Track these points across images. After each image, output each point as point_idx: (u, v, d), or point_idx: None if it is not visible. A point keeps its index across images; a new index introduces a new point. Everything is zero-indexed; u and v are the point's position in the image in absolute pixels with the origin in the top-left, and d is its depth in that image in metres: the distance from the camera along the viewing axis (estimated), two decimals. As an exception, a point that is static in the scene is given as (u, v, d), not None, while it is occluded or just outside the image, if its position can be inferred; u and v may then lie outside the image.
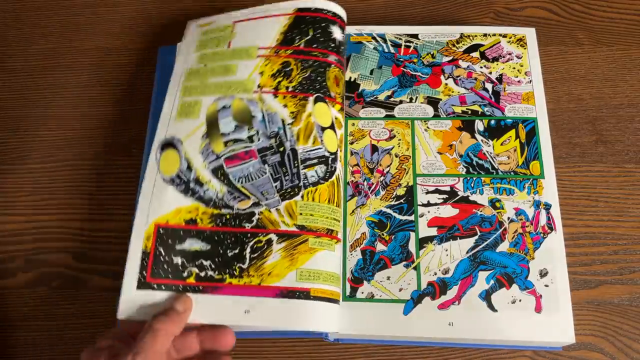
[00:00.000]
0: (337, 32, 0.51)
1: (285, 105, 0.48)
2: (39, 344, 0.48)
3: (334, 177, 0.47)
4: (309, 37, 0.50)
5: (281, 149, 0.46)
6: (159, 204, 0.45)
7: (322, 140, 0.47)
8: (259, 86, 0.49)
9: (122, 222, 0.51)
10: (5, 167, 0.54)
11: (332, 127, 0.48)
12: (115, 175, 0.53)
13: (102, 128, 0.56)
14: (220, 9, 0.61)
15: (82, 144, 0.55)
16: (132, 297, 0.43)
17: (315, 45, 0.50)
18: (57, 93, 0.57)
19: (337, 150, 0.48)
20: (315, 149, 0.46)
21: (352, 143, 0.51)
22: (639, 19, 0.58)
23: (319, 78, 0.49)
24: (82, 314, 0.49)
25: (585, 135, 0.53)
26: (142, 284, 0.43)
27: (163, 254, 0.44)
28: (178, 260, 0.44)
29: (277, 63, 0.49)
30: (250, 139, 0.47)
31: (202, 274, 0.43)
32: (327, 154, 0.47)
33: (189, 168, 0.46)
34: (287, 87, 0.48)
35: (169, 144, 0.47)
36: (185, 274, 0.43)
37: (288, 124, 0.47)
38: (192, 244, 0.44)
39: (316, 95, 0.48)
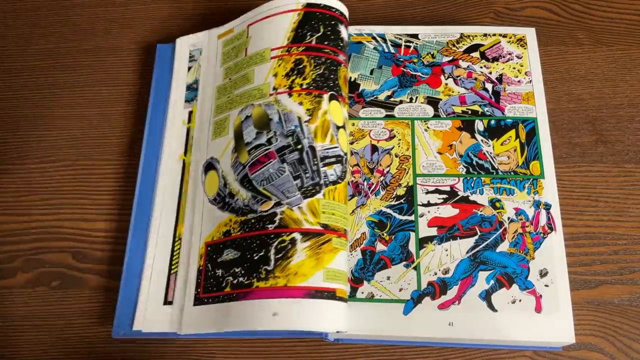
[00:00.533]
0: (344, 32, 0.51)
1: (300, 103, 0.47)
2: (39, 344, 0.48)
3: (347, 177, 0.47)
4: (320, 33, 0.49)
5: (299, 146, 0.46)
6: (207, 224, 0.47)
7: (337, 139, 0.46)
8: (274, 88, 0.48)
9: (122, 222, 0.51)
10: (4, 167, 0.54)
11: (344, 127, 0.48)
12: (115, 175, 0.53)
13: (102, 128, 0.56)
14: (219, 6, 0.61)
15: (81, 144, 0.55)
16: (189, 314, 0.44)
17: (326, 43, 0.49)
18: (57, 93, 0.57)
19: (347, 151, 0.48)
20: (333, 147, 0.46)
21: (352, 143, 0.51)
22: (639, 19, 0.58)
23: (332, 76, 0.48)
24: (82, 314, 0.48)
25: (585, 135, 0.53)
26: (198, 300, 0.45)
27: (210, 269, 0.45)
28: (219, 272, 0.45)
29: (289, 62, 0.49)
30: (269, 141, 0.46)
31: (235, 281, 0.43)
32: (341, 153, 0.46)
33: (225, 185, 0.47)
34: (301, 85, 0.48)
35: (210, 166, 0.49)
36: (223, 284, 0.44)
37: (305, 122, 0.46)
38: (228, 254, 0.45)
39: (330, 93, 0.48)
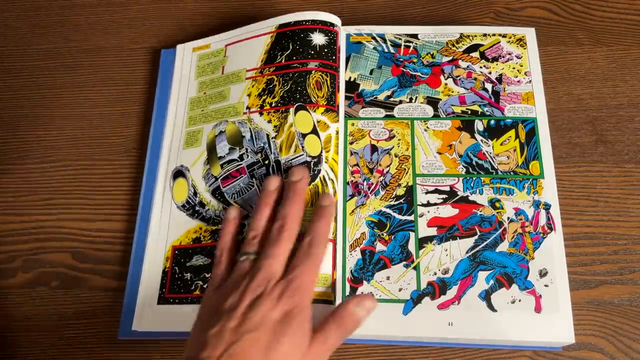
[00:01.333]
0: (317, 38, 0.52)
1: (269, 121, 0.49)
2: (39, 344, 0.48)
3: (317, 180, 0.47)
4: (289, 50, 0.51)
5: (266, 161, 0.48)
6: (174, 229, 0.49)
7: (303, 147, 0.48)
8: (247, 107, 0.51)
9: (122, 222, 0.51)
10: (4, 167, 0.54)
11: (314, 131, 0.48)
12: (115, 175, 0.53)
13: (102, 128, 0.56)
14: (217, 8, 0.61)
15: (81, 144, 0.55)
16: (153, 312, 0.46)
17: (295, 58, 0.51)
18: (57, 93, 0.58)
19: (320, 153, 0.48)
20: (297, 157, 0.48)
21: (351, 143, 0.51)
22: (639, 19, 0.58)
23: (299, 88, 0.50)
24: (82, 314, 0.49)
25: (585, 135, 0.53)
26: (162, 299, 0.46)
27: (177, 271, 0.47)
28: (187, 275, 0.47)
29: (262, 82, 0.51)
30: (241, 157, 0.49)
31: (205, 285, 0.46)
32: (308, 159, 0.47)
33: (195, 193, 0.49)
34: (270, 104, 0.50)
35: (179, 173, 0.51)
36: (192, 287, 0.46)
37: (272, 138, 0.49)
38: (197, 260, 0.47)
39: (297, 105, 0.49)
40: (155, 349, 0.47)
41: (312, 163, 0.47)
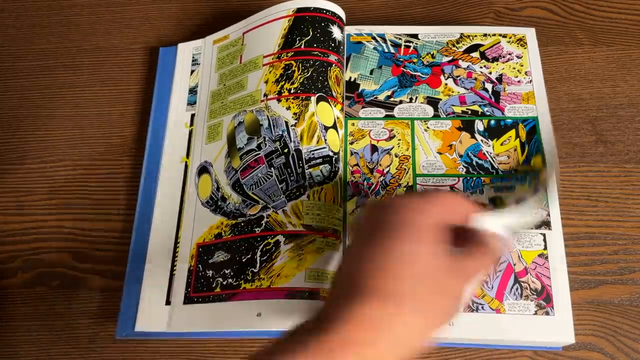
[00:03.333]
0: (336, 32, 0.51)
1: (288, 108, 0.48)
2: (38, 344, 0.48)
3: (337, 177, 0.47)
4: (309, 37, 0.50)
5: (285, 150, 0.47)
6: (199, 226, 0.48)
7: (325, 140, 0.47)
8: (265, 95, 0.49)
9: (122, 222, 0.51)
10: (4, 167, 0.54)
11: (334, 126, 0.48)
12: (115, 175, 0.53)
13: (102, 128, 0.56)
14: (218, 8, 0.61)
15: (81, 143, 0.55)
16: (179, 312, 0.45)
17: (315, 45, 0.50)
18: (57, 93, 0.57)
19: (339, 151, 0.48)
20: (320, 149, 0.47)
21: (352, 143, 0.51)
22: (639, 19, 0.58)
23: (320, 78, 0.49)
24: (82, 314, 0.48)
25: (585, 135, 0.53)
26: (188, 299, 0.45)
27: (201, 269, 0.46)
28: (210, 273, 0.45)
29: (279, 68, 0.50)
30: (259, 146, 0.47)
31: (225, 282, 0.44)
32: (330, 153, 0.47)
33: (218, 188, 0.48)
34: (289, 90, 0.49)
35: (203, 169, 0.50)
36: (214, 285, 0.45)
37: (291, 125, 0.47)
38: (219, 256, 0.46)
39: (318, 94, 0.48)
40: (156, 348, 0.47)
41: (333, 159, 0.47)
